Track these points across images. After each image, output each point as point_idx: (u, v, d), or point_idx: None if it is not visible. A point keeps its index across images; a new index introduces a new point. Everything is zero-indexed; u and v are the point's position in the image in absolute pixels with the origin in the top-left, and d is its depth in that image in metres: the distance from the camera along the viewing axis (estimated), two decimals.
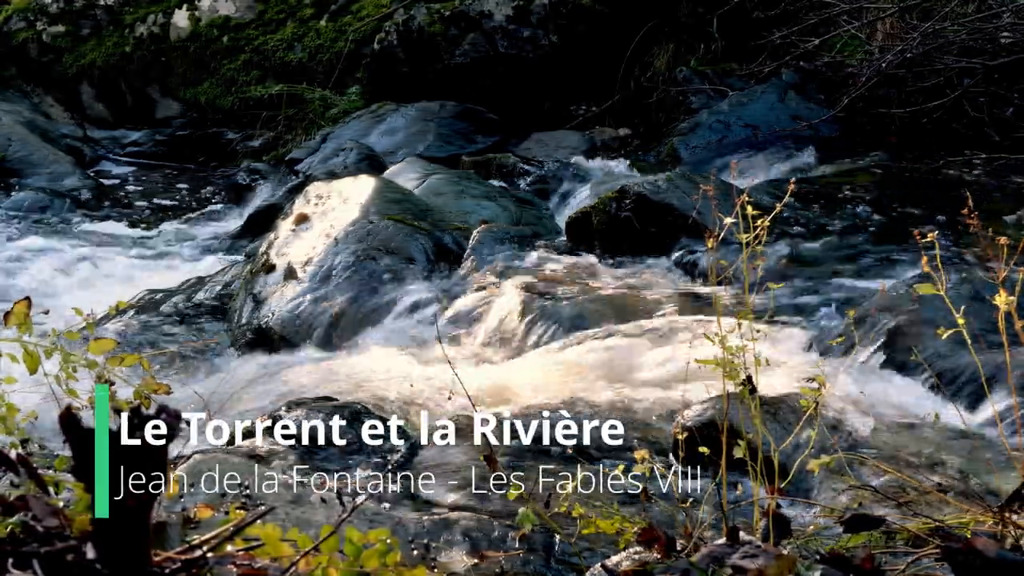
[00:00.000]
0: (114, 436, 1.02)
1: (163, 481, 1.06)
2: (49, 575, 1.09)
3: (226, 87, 8.99)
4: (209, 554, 1.27)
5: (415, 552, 2.30)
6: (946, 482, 2.70)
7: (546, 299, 4.35)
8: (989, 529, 1.82)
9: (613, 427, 3.34)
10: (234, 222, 7.32)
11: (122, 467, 1.03)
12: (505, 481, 1.84)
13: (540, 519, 1.87)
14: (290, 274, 4.85)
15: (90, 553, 1.10)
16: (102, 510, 1.05)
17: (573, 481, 1.94)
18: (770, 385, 3.19)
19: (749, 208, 1.95)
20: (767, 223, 1.96)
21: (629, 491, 2.71)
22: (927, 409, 3.23)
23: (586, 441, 3.25)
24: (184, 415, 1.09)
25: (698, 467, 2.86)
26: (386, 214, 5.04)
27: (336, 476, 2.89)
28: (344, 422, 3.20)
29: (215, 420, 3.09)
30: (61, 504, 1.35)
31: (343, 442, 3.12)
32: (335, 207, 5.19)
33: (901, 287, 3.96)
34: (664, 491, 2.62)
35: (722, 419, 2.17)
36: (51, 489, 1.48)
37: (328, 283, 4.74)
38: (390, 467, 2.95)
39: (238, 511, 1.65)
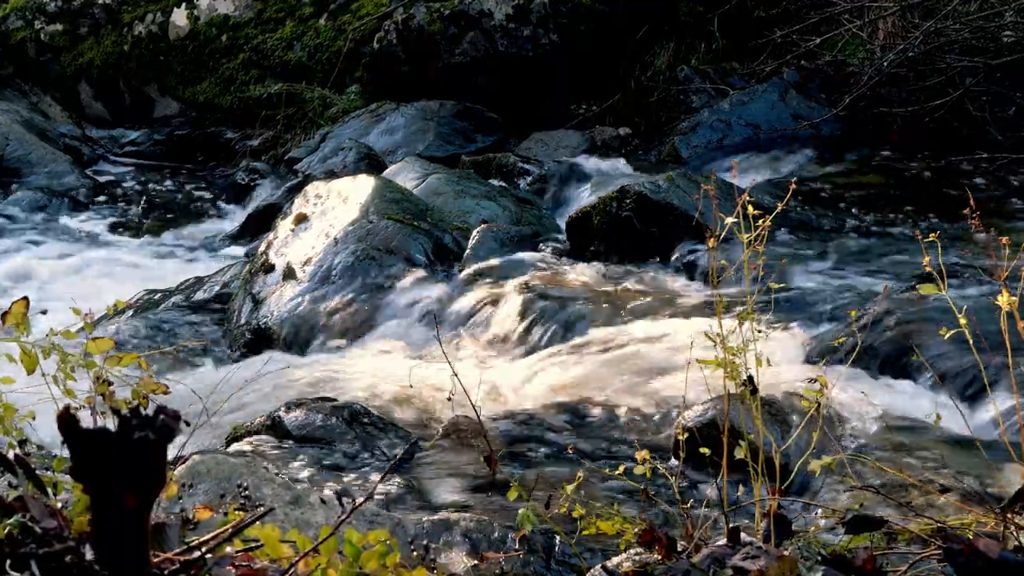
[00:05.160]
0: (113, 436, 1.01)
1: (162, 482, 1.05)
2: None
3: (225, 86, 8.98)
4: (208, 555, 1.26)
5: (415, 553, 2.30)
6: (948, 483, 2.69)
7: (546, 299, 4.34)
8: (991, 530, 1.81)
9: (613, 427, 3.33)
10: (233, 222, 7.31)
11: (121, 468, 1.02)
12: (505, 481, 1.83)
13: (540, 520, 1.86)
14: (289, 274, 4.84)
15: (88, 554, 1.09)
16: (101, 511, 1.04)
17: (573, 481, 1.93)
18: (771, 385, 3.18)
19: (750, 208, 1.94)
20: (768, 223, 1.95)
21: (630, 491, 2.70)
22: (929, 410, 3.21)
23: (586, 441, 3.25)
24: (183, 415, 1.08)
25: (699, 468, 2.86)
26: (386, 214, 5.03)
27: (335, 476, 2.89)
28: (344, 422, 3.19)
29: (214, 420, 3.08)
30: (59, 505, 1.34)
31: (343, 442, 3.12)
32: (334, 207, 5.18)
33: (903, 287, 3.96)
34: (665, 492, 2.61)
35: (723, 419, 2.16)
36: (49, 490, 1.47)
37: (327, 283, 4.73)
38: (390, 467, 2.94)
39: (237, 512, 1.65)
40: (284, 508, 2.29)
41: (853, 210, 5.28)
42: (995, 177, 5.77)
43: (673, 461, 2.95)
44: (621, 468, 2.05)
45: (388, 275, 4.72)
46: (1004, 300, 1.80)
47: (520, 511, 1.79)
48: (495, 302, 4.42)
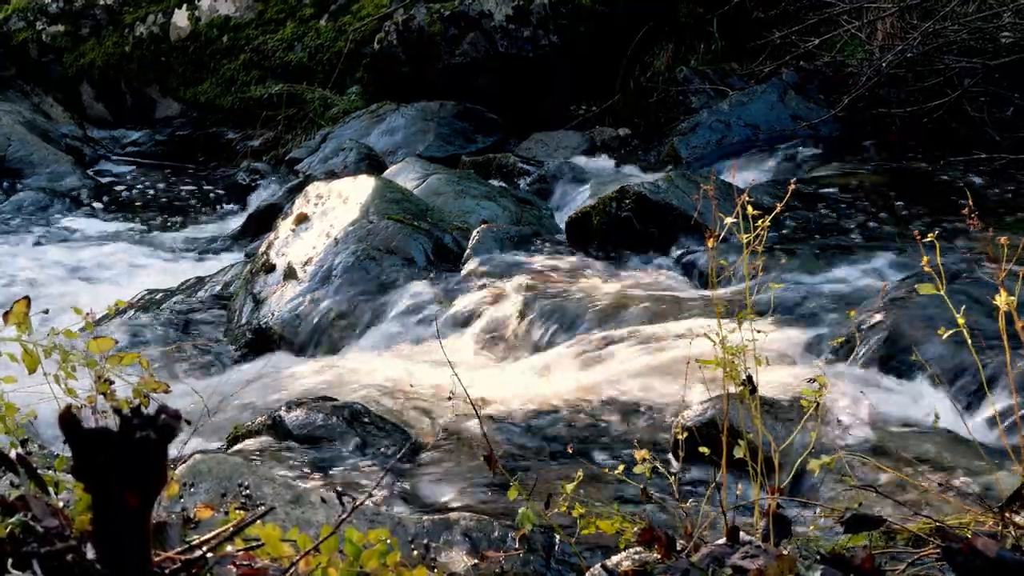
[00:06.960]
0: (114, 436, 1.02)
1: (163, 481, 1.05)
2: (49, 575, 1.09)
3: (226, 87, 8.99)
4: (209, 554, 1.27)
5: (415, 552, 2.30)
6: (946, 482, 2.70)
7: (546, 299, 4.34)
8: (989, 529, 1.82)
9: (613, 427, 3.34)
10: (234, 222, 7.32)
11: (122, 467, 1.03)
12: (505, 481, 1.84)
13: (540, 519, 1.87)
14: (290, 274, 4.85)
15: (90, 553, 1.10)
16: (102, 510, 1.05)
17: (573, 481, 1.93)
18: (770, 385, 3.19)
19: (749, 208, 1.94)
20: (767, 223, 1.95)
21: (629, 491, 2.71)
22: (927, 409, 3.22)
23: (586, 441, 3.26)
24: (184, 414, 1.09)
25: (699, 467, 2.87)
26: (386, 214, 5.03)
27: (336, 476, 2.89)
28: (344, 422, 3.20)
29: (215, 420, 3.09)
30: (61, 504, 1.35)
31: (343, 442, 3.12)
32: (335, 207, 5.19)
33: (902, 287, 3.96)
34: (664, 491, 2.62)
35: (722, 419, 2.17)
36: (51, 489, 1.48)
37: (328, 283, 4.73)
38: (390, 467, 2.94)
39: (238, 511, 1.65)
40: (285, 507, 2.30)
41: (852, 210, 5.29)
42: (993, 177, 5.78)
43: (673, 460, 2.96)
44: (621, 468, 2.05)
45: (388, 275, 4.72)
46: (1002, 300, 1.80)
47: (520, 510, 1.80)
48: (495, 302, 4.43)
